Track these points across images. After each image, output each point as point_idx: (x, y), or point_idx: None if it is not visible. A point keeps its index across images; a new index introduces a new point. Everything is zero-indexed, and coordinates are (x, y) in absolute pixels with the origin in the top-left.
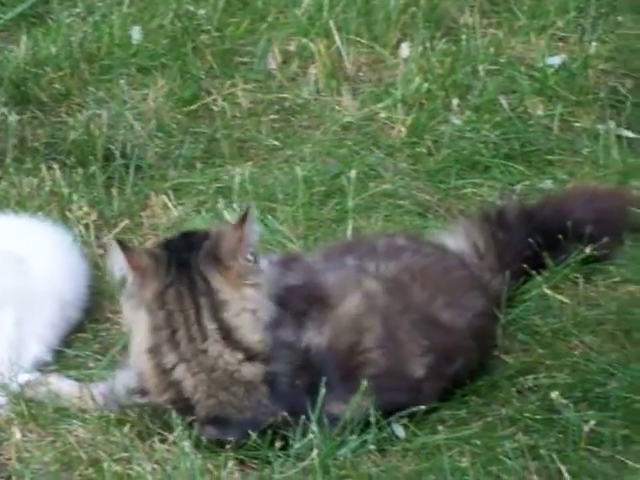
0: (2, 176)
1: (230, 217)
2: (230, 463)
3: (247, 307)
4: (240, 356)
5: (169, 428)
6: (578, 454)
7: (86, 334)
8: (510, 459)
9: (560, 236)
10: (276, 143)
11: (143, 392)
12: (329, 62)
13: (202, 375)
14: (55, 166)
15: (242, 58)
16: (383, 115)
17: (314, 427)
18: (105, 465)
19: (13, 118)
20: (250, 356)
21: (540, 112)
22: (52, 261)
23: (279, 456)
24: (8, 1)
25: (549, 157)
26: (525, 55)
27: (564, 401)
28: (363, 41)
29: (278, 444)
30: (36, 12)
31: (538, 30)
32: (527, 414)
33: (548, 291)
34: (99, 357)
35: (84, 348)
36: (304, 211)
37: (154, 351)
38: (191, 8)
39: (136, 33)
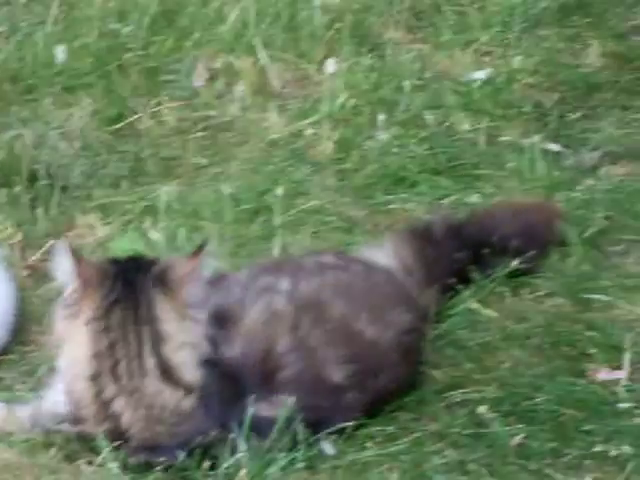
0: None
1: (155, 237)
2: None
3: (187, 341)
4: (180, 394)
5: (96, 451)
6: (506, 468)
7: (13, 356)
8: (439, 474)
9: (487, 250)
10: (203, 161)
11: (76, 421)
12: (255, 79)
13: (141, 411)
14: None
15: (168, 76)
16: (310, 131)
17: (242, 445)
18: None
19: None
20: (189, 391)
21: (466, 127)
22: None
23: (208, 476)
24: None
25: (475, 171)
26: (450, 70)
27: (492, 415)
28: (289, 57)
29: (206, 464)
30: None
31: (463, 45)
32: (455, 429)
33: (476, 305)
34: (26, 379)
35: (10, 370)
36: (231, 229)
37: (95, 379)
38: (116, 26)
39: (60, 52)
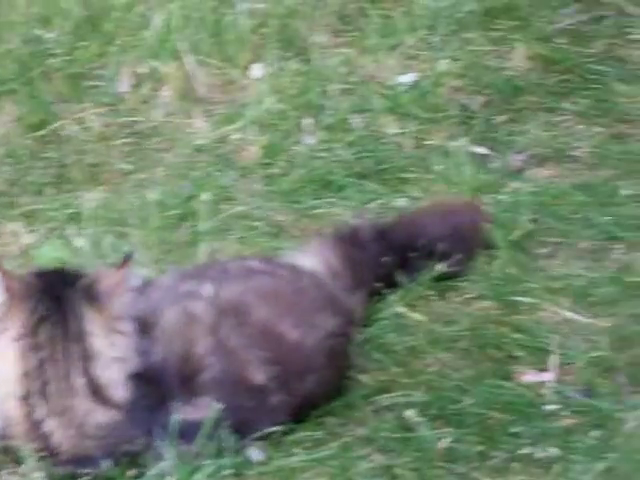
0: None
1: (80, 244)
2: None
3: (117, 356)
4: (111, 412)
5: (19, 461)
6: (434, 472)
7: None
8: (367, 479)
9: (414, 254)
10: (128, 167)
11: (6, 437)
12: (180, 84)
13: (72, 430)
14: None
15: (92, 82)
16: (236, 136)
17: (169, 451)
18: None
19: None
20: (119, 408)
21: (393, 130)
22: None
23: None
24: None
25: (402, 175)
26: (376, 74)
27: (419, 419)
28: (215, 62)
29: (132, 472)
30: None
31: (389, 49)
32: (383, 433)
33: (403, 309)
34: None
35: None
36: (157, 235)
37: (25, 399)
38: (39, 32)
39: None
